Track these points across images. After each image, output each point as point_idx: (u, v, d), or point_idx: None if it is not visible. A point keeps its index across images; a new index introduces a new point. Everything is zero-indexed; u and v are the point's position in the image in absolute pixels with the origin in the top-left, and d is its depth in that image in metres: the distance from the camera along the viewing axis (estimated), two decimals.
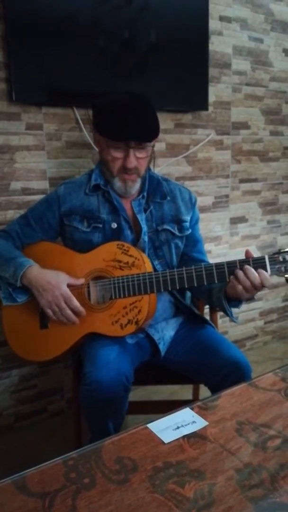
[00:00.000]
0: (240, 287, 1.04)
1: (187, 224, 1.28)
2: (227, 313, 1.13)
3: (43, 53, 1.44)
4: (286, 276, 1.05)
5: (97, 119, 1.22)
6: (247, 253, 1.07)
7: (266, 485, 0.65)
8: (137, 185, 1.22)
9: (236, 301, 1.13)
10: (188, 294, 1.38)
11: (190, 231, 1.29)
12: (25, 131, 1.53)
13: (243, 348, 2.36)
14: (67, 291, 1.12)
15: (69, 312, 1.13)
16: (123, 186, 1.20)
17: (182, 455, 0.71)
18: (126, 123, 1.12)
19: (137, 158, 1.16)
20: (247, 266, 1.04)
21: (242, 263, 1.05)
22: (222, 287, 1.12)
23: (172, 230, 1.26)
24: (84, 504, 0.62)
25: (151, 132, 1.18)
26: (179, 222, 1.27)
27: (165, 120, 1.82)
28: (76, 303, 1.13)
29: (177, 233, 1.26)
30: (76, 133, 1.63)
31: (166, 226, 1.25)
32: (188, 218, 1.29)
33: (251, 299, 1.11)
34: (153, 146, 1.22)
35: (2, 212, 1.54)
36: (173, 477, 0.66)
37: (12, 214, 1.54)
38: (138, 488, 0.64)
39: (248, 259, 1.05)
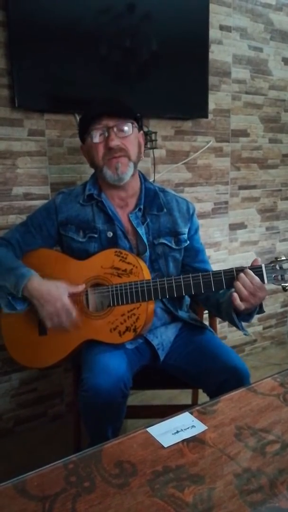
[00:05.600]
0: (242, 289, 1.05)
1: (185, 236, 1.27)
2: (238, 327, 1.14)
3: (45, 60, 1.46)
4: (283, 284, 1.06)
5: (79, 126, 1.24)
6: (254, 262, 1.08)
7: (265, 490, 0.65)
8: (129, 171, 1.18)
9: (246, 315, 1.13)
10: (186, 302, 1.37)
11: (188, 243, 1.28)
12: (27, 137, 1.55)
13: (242, 353, 2.36)
14: (68, 303, 1.11)
15: (68, 324, 1.13)
16: (114, 173, 1.17)
17: (181, 460, 0.72)
18: (100, 103, 1.19)
19: (120, 139, 1.15)
20: (241, 274, 1.06)
21: (239, 271, 1.07)
22: (230, 302, 1.11)
23: (168, 243, 1.25)
24: (84, 508, 0.62)
25: (125, 109, 1.18)
26: (176, 234, 1.25)
27: (165, 127, 1.84)
28: (75, 315, 1.12)
29: (174, 246, 1.25)
30: (77, 139, 1.61)
31: (162, 240, 1.24)
32: (185, 230, 1.27)
33: (260, 309, 1.13)
34: (145, 133, 1.22)
35: (3, 217, 1.55)
36: (172, 481, 0.67)
37: (13, 219, 1.55)
38: (137, 492, 0.65)
39: (245, 267, 1.07)
